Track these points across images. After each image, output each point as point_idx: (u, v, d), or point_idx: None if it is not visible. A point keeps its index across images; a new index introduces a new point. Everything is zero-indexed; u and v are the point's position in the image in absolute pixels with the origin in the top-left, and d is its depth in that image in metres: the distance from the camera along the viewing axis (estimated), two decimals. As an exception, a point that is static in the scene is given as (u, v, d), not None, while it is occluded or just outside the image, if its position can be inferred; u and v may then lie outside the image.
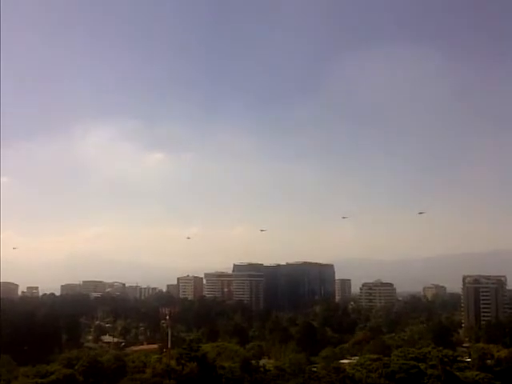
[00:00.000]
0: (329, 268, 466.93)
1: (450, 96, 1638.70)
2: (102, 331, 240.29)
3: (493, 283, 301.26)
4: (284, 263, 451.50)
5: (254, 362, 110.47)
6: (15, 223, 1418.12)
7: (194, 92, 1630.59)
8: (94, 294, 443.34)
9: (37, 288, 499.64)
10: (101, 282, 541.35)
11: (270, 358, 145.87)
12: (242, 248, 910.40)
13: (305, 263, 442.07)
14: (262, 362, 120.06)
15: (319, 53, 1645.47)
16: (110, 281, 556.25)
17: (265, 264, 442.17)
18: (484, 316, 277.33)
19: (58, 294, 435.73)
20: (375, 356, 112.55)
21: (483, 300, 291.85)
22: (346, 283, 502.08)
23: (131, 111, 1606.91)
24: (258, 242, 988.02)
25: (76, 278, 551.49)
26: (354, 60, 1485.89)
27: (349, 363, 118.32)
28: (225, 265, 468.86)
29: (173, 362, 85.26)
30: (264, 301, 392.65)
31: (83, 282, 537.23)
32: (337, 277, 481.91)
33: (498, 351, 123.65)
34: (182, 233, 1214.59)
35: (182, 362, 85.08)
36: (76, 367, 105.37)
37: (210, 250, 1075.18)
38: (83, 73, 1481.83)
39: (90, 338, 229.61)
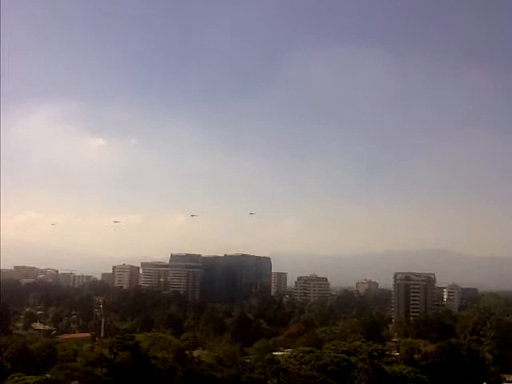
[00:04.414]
0: (266, 261, 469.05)
1: (395, 95, 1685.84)
2: (33, 318, 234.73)
3: (422, 280, 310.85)
4: (222, 255, 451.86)
5: (187, 352, 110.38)
6: None
7: (139, 77, 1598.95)
8: (26, 280, 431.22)
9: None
10: (33, 268, 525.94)
11: (204, 349, 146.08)
12: (180, 238, 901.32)
13: (243, 255, 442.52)
14: (196, 352, 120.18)
15: (270, 48, 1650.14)
16: (43, 267, 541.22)
17: (203, 255, 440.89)
18: (413, 312, 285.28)
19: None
20: (308, 349, 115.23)
21: (413, 296, 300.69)
22: (282, 276, 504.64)
23: (74, 93, 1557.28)
24: (196, 233, 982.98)
25: (7, 263, 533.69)
26: (304, 57, 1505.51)
27: (282, 355, 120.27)
28: (162, 255, 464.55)
29: (105, 351, 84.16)
30: (200, 292, 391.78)
31: (14, 267, 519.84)
32: (273, 270, 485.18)
33: (424, 346, 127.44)
34: (120, 221, 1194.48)
35: (115, 350, 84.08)
36: (4, 354, 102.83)
37: (147, 239, 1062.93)
38: (23, 51, 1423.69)
39: (20, 325, 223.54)
